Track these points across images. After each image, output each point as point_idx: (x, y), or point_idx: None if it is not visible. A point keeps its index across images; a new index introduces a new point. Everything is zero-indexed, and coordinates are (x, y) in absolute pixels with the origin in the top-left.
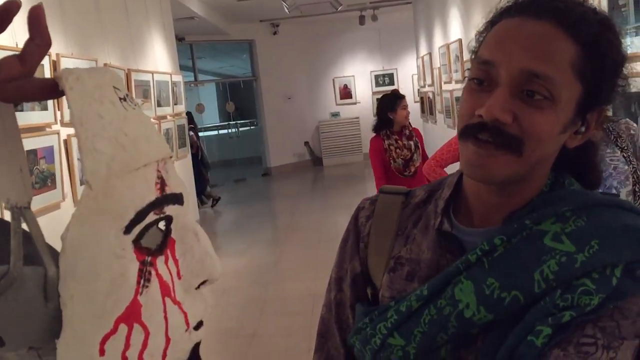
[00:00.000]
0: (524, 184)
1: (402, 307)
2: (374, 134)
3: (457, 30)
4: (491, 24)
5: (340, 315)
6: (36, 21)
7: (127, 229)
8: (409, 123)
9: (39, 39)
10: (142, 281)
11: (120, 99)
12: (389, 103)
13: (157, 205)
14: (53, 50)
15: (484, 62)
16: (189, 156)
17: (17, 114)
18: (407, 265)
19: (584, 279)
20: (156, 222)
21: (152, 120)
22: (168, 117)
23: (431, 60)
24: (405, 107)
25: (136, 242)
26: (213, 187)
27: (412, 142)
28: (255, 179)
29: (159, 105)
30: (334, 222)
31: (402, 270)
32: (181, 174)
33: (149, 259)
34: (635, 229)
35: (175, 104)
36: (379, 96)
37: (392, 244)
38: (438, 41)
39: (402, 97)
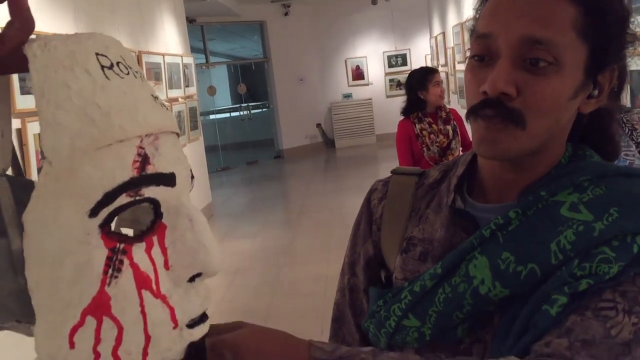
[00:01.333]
0: (539, 157)
1: (416, 287)
2: (402, 117)
3: (472, 8)
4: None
5: (354, 300)
6: (15, 4)
7: (93, 212)
8: (444, 104)
9: (18, 23)
10: (110, 271)
11: (103, 66)
12: (419, 80)
13: (130, 186)
14: (63, 31)
15: (481, 35)
16: (201, 139)
17: (24, 97)
18: (420, 246)
19: (603, 247)
20: (130, 204)
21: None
22: (180, 99)
23: (445, 40)
24: (439, 83)
25: (104, 226)
26: (226, 170)
27: (449, 127)
28: (267, 161)
29: (170, 87)
30: (347, 204)
31: (415, 250)
32: (193, 157)
33: (122, 246)
34: None
35: (187, 86)
36: (392, 77)
37: (405, 225)
38: (452, 20)
39: (434, 71)
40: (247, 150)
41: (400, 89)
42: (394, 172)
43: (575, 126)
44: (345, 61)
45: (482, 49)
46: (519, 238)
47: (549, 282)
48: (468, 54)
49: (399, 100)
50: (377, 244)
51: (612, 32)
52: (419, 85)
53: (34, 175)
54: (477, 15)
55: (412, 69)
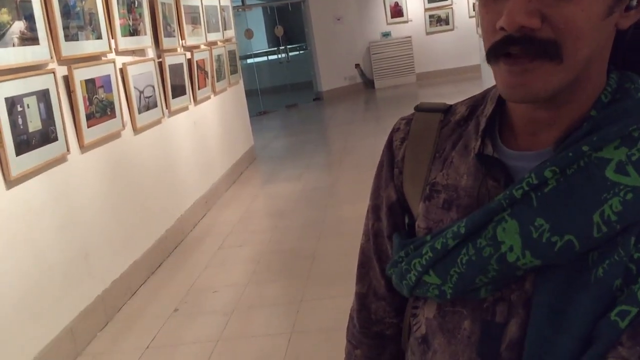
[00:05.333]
0: (576, 90)
1: (438, 244)
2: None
3: None
4: None
5: (378, 245)
6: None
7: None
8: None
9: None
10: None
11: None
12: None
13: None
14: None
15: None
16: (241, 82)
17: (72, 43)
18: (444, 193)
19: None
20: None
21: (203, 46)
22: (219, 43)
23: None
24: None
25: None
26: (266, 114)
27: None
28: (306, 104)
29: (209, 31)
30: None
31: (439, 198)
32: (234, 101)
33: None
34: None
35: (225, 30)
36: (432, 13)
37: (428, 168)
38: None
39: None
40: (286, 93)
41: (441, 25)
42: (417, 108)
43: (616, 47)
44: None
45: None
46: (555, 203)
47: (606, 271)
48: None
49: (440, 38)
50: (400, 189)
51: None
52: None
53: (82, 122)
54: None
55: (453, 3)
